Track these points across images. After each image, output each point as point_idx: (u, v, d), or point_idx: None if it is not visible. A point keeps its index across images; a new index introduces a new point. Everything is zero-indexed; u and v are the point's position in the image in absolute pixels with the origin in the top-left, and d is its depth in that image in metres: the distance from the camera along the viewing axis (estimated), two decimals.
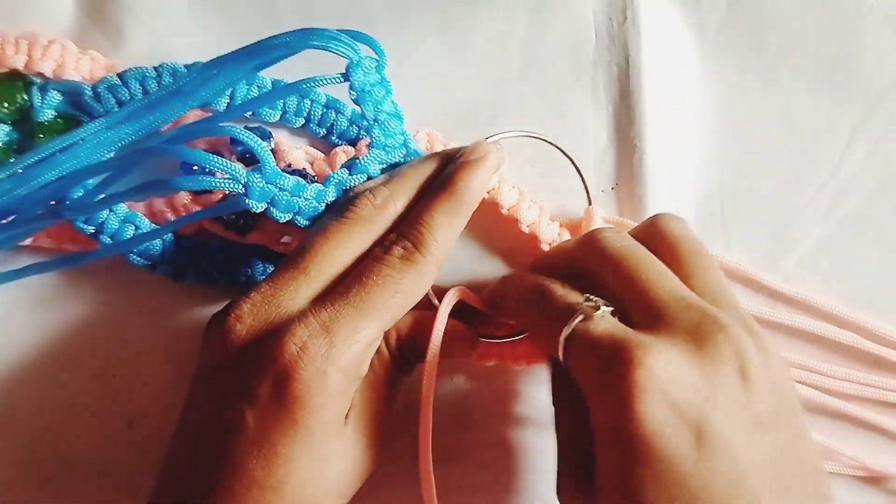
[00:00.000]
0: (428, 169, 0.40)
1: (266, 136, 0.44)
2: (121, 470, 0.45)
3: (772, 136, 0.47)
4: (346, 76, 0.38)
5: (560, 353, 0.36)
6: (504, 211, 0.45)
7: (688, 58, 0.47)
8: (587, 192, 0.45)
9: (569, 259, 0.40)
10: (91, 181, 0.40)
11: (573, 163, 0.45)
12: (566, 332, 0.35)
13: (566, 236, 0.45)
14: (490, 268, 0.46)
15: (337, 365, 0.34)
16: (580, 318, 0.35)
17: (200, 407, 0.36)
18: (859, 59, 0.47)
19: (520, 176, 0.46)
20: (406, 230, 0.38)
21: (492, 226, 0.46)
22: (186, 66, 0.43)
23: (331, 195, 0.39)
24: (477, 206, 0.40)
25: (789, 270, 0.47)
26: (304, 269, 0.36)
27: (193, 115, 0.43)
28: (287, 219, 0.38)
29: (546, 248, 0.45)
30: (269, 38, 0.37)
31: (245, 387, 0.35)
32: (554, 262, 0.42)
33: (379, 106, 0.39)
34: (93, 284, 0.45)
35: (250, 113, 0.43)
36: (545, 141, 0.45)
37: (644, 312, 0.35)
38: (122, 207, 0.42)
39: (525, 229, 0.45)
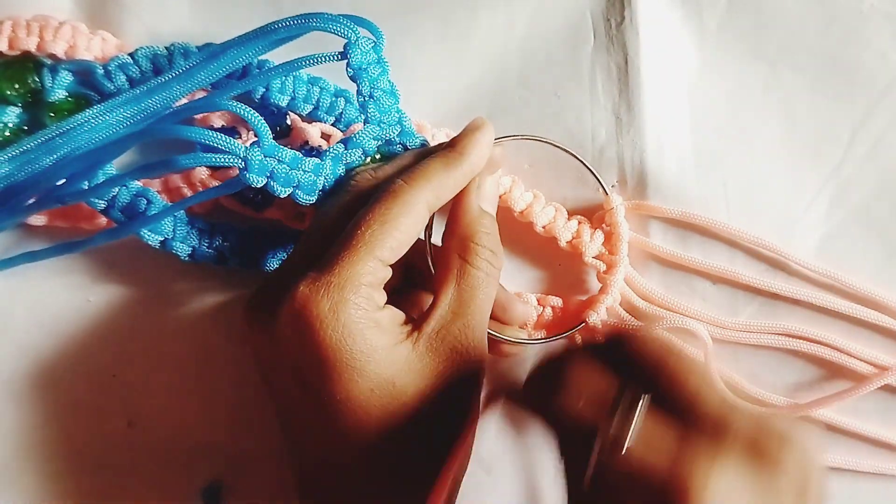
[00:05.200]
0: (432, 151, 0.41)
1: (282, 114, 0.44)
2: (120, 469, 0.46)
3: (773, 135, 0.47)
4: (343, 54, 0.39)
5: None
6: (517, 214, 0.45)
7: (687, 57, 0.47)
8: (600, 183, 0.45)
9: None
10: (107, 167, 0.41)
11: (579, 159, 0.45)
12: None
13: (586, 232, 0.46)
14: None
15: (344, 302, 0.35)
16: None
17: (278, 394, 0.39)
18: (859, 59, 0.47)
19: (526, 178, 0.46)
20: (399, 174, 0.39)
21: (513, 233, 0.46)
22: (198, 48, 0.43)
23: (328, 168, 0.40)
24: (480, 166, 0.40)
25: (792, 269, 0.47)
26: (310, 247, 0.38)
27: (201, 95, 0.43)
28: (287, 193, 0.39)
29: (564, 245, 0.46)
30: (272, 22, 0.38)
31: (286, 358, 0.36)
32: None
33: (375, 83, 0.40)
34: (91, 284, 0.46)
35: (259, 96, 0.43)
36: (547, 143, 0.45)
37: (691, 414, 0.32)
38: (135, 184, 0.42)
39: (540, 230, 0.45)
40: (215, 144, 0.36)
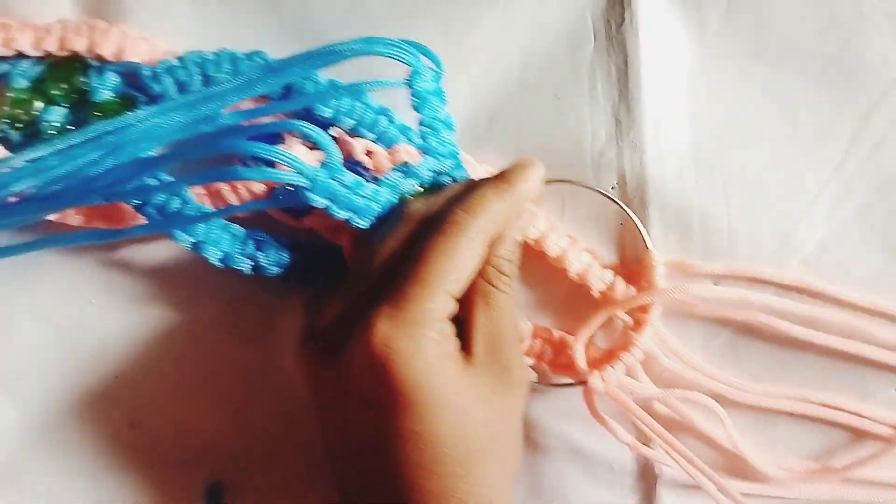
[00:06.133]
0: (480, 182, 0.41)
1: (326, 126, 0.43)
2: (122, 471, 0.46)
3: (773, 136, 0.46)
4: (409, 83, 0.39)
5: None
6: (552, 259, 0.45)
7: (687, 59, 0.46)
8: (643, 237, 0.45)
9: None
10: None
11: (626, 211, 0.45)
12: None
13: (620, 285, 0.45)
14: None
15: (424, 339, 0.36)
16: None
17: (339, 429, 0.40)
18: (860, 59, 0.46)
19: (568, 224, 0.47)
20: (455, 204, 0.39)
21: (544, 276, 0.47)
22: (246, 55, 0.43)
23: (384, 196, 0.40)
24: (528, 197, 0.40)
25: (793, 271, 0.47)
26: (368, 277, 0.39)
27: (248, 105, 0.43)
28: (344, 217, 0.39)
29: (597, 295, 0.45)
30: (335, 44, 0.39)
31: (356, 393, 0.37)
32: None
33: (435, 114, 0.41)
34: (92, 285, 0.46)
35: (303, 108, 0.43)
36: (594, 190, 0.46)
37: None
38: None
39: (574, 277, 0.45)
40: (284, 162, 0.37)
